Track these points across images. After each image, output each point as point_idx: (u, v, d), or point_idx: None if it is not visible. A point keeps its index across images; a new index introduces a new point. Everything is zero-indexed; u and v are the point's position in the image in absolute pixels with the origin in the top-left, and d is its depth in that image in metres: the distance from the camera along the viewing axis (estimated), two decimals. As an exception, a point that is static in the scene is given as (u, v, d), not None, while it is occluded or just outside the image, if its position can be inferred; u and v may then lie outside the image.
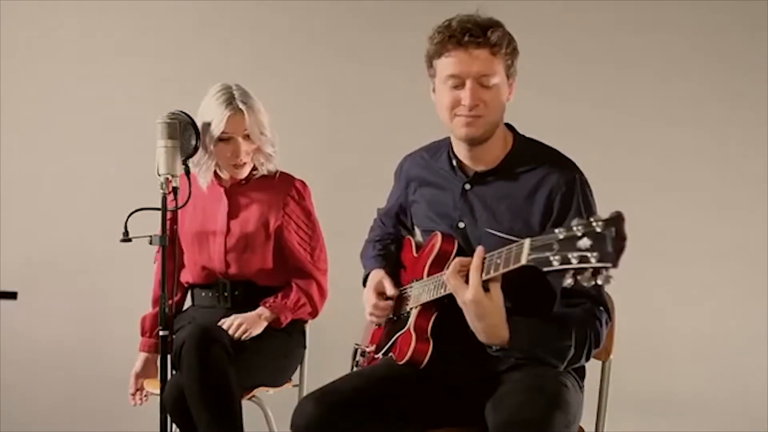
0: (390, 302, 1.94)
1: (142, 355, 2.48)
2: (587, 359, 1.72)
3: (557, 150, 1.84)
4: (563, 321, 1.68)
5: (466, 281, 1.57)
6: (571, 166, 1.80)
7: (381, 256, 2.07)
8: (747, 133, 3.41)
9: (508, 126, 1.88)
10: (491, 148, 1.81)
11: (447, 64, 1.73)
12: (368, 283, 2.00)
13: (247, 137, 2.31)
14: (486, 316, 1.57)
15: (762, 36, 3.35)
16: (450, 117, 1.77)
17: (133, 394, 2.48)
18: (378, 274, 1.98)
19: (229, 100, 2.28)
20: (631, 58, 3.41)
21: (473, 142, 1.79)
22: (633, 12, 3.40)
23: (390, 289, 1.93)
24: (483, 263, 1.55)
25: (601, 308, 1.72)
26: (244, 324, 2.27)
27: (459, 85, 1.73)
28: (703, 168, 3.43)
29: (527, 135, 1.89)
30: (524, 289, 1.62)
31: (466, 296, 1.56)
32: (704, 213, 3.41)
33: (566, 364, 1.68)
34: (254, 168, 2.40)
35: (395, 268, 2.01)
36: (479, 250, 1.57)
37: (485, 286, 1.55)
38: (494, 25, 1.72)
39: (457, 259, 1.62)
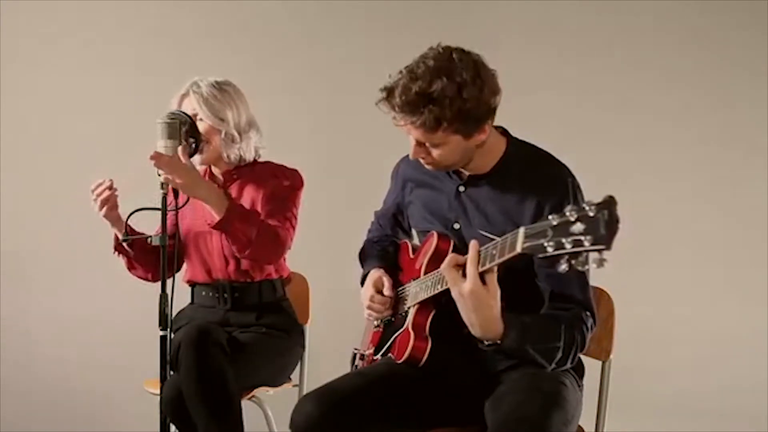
0: (387, 297, 1.94)
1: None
2: (572, 363, 1.73)
3: (550, 154, 1.84)
4: (554, 321, 1.69)
5: (463, 275, 1.57)
6: (563, 171, 1.79)
7: (380, 257, 2.08)
8: (748, 132, 3.42)
9: (501, 129, 1.87)
10: (483, 156, 1.80)
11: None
12: (367, 280, 2.01)
13: (201, 120, 2.33)
14: (482, 308, 1.56)
15: (761, 33, 3.36)
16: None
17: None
18: (377, 272, 1.99)
19: (188, 86, 2.35)
20: (628, 56, 3.42)
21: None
22: (631, 11, 3.41)
23: (388, 290, 1.94)
24: (479, 255, 1.55)
25: (588, 313, 1.73)
26: (181, 174, 2.09)
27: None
28: (703, 165, 3.43)
29: (525, 130, 1.88)
30: (513, 294, 1.62)
31: (464, 288, 1.55)
32: (704, 213, 3.41)
33: (553, 366, 1.69)
34: (241, 159, 2.40)
35: (393, 271, 2.02)
36: (474, 242, 1.57)
37: (482, 278, 1.55)
38: (432, 101, 1.61)
39: (452, 254, 1.62)
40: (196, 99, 2.33)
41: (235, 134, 2.35)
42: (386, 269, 2.00)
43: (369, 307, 1.97)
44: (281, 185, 2.37)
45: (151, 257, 2.40)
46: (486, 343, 1.63)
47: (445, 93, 1.62)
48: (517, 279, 1.56)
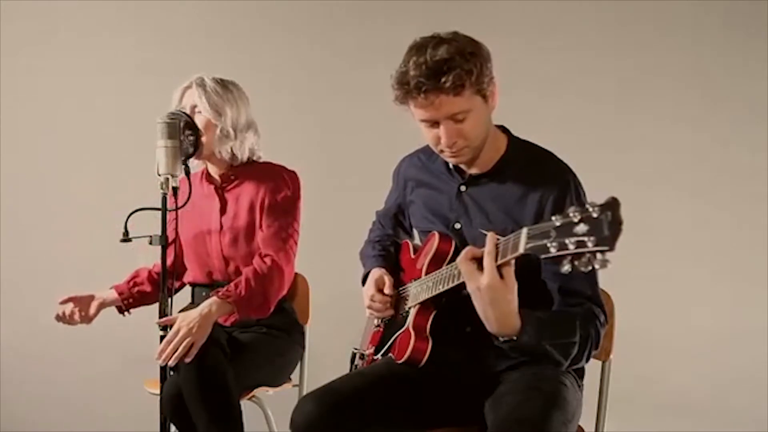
0: (388, 296, 1.93)
1: (108, 292, 2.52)
2: (587, 360, 1.71)
3: (550, 152, 1.84)
4: (568, 316, 1.67)
5: (479, 268, 1.52)
6: (564, 169, 1.79)
7: (381, 257, 2.07)
8: (749, 132, 3.41)
9: (502, 128, 1.87)
10: (484, 153, 1.81)
11: (416, 111, 1.72)
12: (368, 279, 2.00)
13: (199, 113, 2.33)
14: (500, 303, 1.51)
15: (761, 33, 3.36)
16: (437, 150, 1.79)
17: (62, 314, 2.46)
18: (379, 271, 1.99)
19: (193, 79, 2.37)
20: (629, 56, 3.42)
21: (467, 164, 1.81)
22: (632, 10, 3.41)
23: (388, 289, 1.93)
24: (497, 249, 1.50)
25: (598, 309, 1.72)
26: (189, 337, 2.10)
27: (434, 125, 1.72)
28: (701, 165, 3.43)
29: (525, 130, 1.88)
30: (522, 292, 1.61)
31: (482, 281, 1.49)
32: (704, 211, 3.41)
33: (569, 363, 1.66)
34: (234, 158, 2.40)
35: (394, 270, 2.01)
36: (491, 235, 1.52)
37: (498, 272, 1.50)
38: (447, 62, 1.63)
39: (469, 247, 1.57)
40: (198, 92, 2.33)
41: (231, 131, 2.34)
42: (387, 269, 2.00)
43: (370, 306, 1.97)
44: (282, 195, 2.36)
45: (152, 297, 2.50)
46: (501, 339, 1.58)
47: (458, 50, 1.65)
48: (523, 277, 1.55)
